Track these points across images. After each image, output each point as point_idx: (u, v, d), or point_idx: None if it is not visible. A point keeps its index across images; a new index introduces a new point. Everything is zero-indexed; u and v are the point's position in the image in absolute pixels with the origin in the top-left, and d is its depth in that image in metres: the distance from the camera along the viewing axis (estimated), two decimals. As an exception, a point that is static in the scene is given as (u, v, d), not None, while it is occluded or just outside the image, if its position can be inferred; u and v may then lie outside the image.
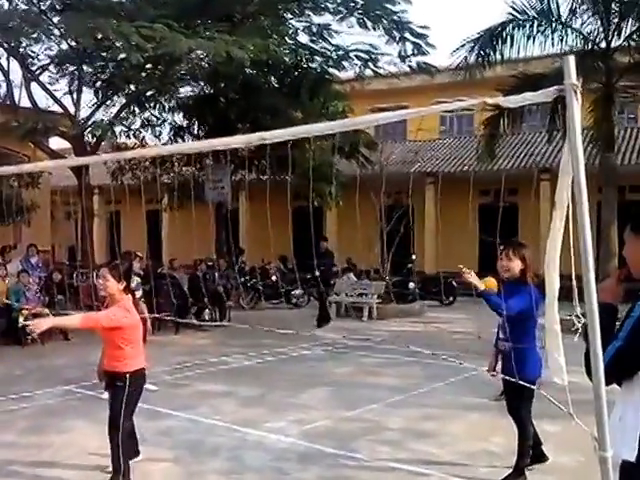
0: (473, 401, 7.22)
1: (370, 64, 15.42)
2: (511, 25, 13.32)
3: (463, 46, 13.59)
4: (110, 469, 4.73)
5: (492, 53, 13.60)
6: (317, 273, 13.02)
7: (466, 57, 13.68)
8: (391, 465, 5.17)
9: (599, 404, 2.20)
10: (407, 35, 14.30)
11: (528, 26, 13.23)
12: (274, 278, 18.08)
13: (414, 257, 19.30)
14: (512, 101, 2.39)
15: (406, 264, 17.77)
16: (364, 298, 15.40)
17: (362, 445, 5.66)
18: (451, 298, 17.50)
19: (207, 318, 13.39)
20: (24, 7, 13.53)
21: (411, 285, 17.29)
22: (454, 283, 17.35)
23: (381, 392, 7.65)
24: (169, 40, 10.78)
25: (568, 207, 2.23)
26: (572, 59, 2.16)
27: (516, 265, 4.62)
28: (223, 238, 18.55)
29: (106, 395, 7.12)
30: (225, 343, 11.32)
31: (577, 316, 2.34)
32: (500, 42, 13.58)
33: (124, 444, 4.65)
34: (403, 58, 15.00)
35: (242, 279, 17.82)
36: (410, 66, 15.58)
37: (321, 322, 13.25)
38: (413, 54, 14.79)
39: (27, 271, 11.56)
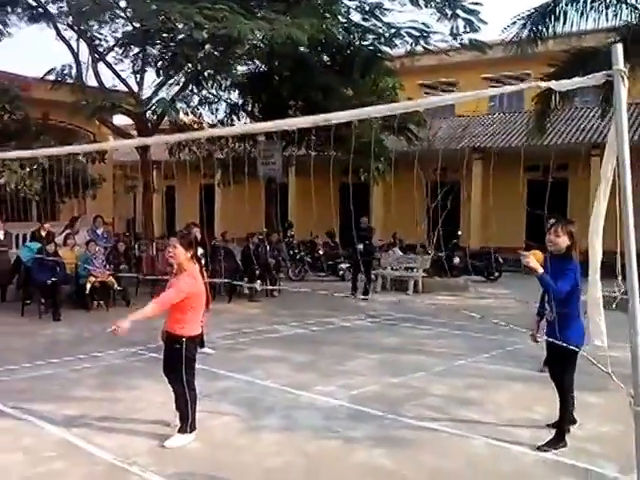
0: (517, 372, 7.47)
1: (421, 41, 15.45)
2: (564, 1, 13.15)
3: (514, 23, 13.49)
4: (176, 422, 5.22)
5: (544, 29, 13.46)
6: (359, 247, 13.35)
7: (517, 33, 13.58)
8: (434, 427, 5.52)
9: (635, 363, 2.47)
10: (459, 12, 14.28)
11: (582, 2, 13.03)
12: (321, 252, 18.54)
13: (460, 232, 19.44)
14: (562, 85, 2.62)
15: (452, 239, 17.93)
16: (409, 272, 15.68)
17: (407, 409, 6.02)
18: (497, 274, 17.62)
19: (258, 289, 13.90)
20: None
21: (456, 260, 17.46)
22: (500, 259, 17.47)
23: (427, 361, 7.99)
24: (230, 21, 11.16)
25: (613, 182, 2.48)
26: (620, 47, 2.40)
27: (563, 241, 4.87)
28: (273, 212, 19.02)
29: (209, 351, 7.80)
30: (275, 313, 11.80)
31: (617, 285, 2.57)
32: (553, 18, 13.42)
33: (191, 397, 5.11)
34: (455, 35, 14.98)
35: (290, 252, 18.33)
36: (462, 43, 15.53)
37: (365, 294, 13.64)
38: (465, 31, 14.76)
39: (94, 241, 12.27)
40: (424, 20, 14.98)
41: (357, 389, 6.67)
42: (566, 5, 13.35)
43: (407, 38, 15.49)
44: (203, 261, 8.85)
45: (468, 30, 14.72)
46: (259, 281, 13.96)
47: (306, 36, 11.62)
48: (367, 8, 15.26)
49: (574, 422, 5.30)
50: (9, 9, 14.95)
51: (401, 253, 17.27)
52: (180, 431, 5.11)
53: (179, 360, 5.12)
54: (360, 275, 13.87)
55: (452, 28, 14.85)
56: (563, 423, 5.06)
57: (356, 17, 15.71)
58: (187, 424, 5.10)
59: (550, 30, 13.58)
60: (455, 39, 15.19)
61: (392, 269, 16.13)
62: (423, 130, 18.28)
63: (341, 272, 17.45)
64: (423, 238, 17.23)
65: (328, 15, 15.29)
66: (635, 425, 2.56)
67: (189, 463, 4.73)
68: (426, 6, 14.37)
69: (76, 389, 6.67)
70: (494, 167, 20.68)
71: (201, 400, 5.42)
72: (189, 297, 5.10)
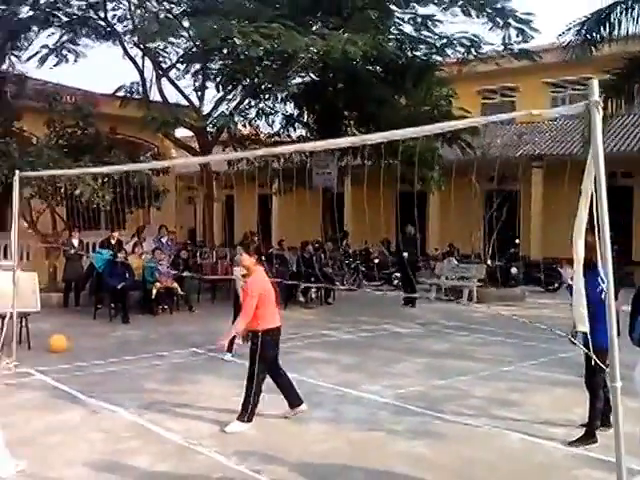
0: (561, 378, 7.68)
1: (473, 50, 15.74)
2: (618, 9, 13.22)
3: (569, 30, 13.63)
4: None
5: (598, 36, 13.54)
6: (405, 254, 13.70)
7: (571, 40, 13.70)
8: (473, 423, 5.90)
9: (612, 345, 2.87)
10: (510, 21, 14.51)
11: (636, 11, 13.08)
12: (376, 260, 18.94)
13: (518, 242, 19.43)
14: (548, 113, 3.04)
15: (510, 249, 17.96)
16: (464, 281, 15.85)
17: (448, 408, 6.40)
18: (556, 284, 17.47)
19: (313, 296, 14.43)
20: (161, 13, 15.14)
21: (514, 270, 17.47)
22: (560, 269, 17.36)
23: (473, 366, 8.30)
24: (286, 38, 11.81)
25: (591, 195, 2.91)
26: (596, 82, 2.82)
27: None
28: (329, 221, 19.54)
29: (227, 357, 8.38)
30: (329, 319, 12.28)
31: (601, 279, 3.01)
32: (607, 25, 13.50)
33: (254, 390, 5.62)
34: (506, 45, 15.21)
35: (346, 261, 18.81)
36: (512, 52, 15.73)
37: (408, 302, 13.93)
38: (517, 40, 14.96)
39: (160, 249, 13.09)
40: (476, 29, 15.27)
41: (402, 389, 7.09)
42: (620, 13, 13.42)
43: (459, 48, 15.79)
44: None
45: (520, 39, 14.90)
46: (314, 289, 14.49)
47: (360, 51, 12.11)
48: (419, 20, 15.66)
49: (609, 425, 5.55)
50: (82, 31, 16.04)
51: (456, 262, 17.44)
52: (239, 418, 5.65)
53: (254, 353, 5.71)
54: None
55: (504, 37, 15.07)
56: (592, 421, 5.34)
57: (408, 28, 16.16)
58: (246, 413, 5.63)
59: (605, 36, 13.65)
60: (506, 49, 15.38)
61: (447, 278, 16.34)
62: (478, 138, 18.43)
63: (395, 281, 17.80)
64: (479, 247, 17.34)
65: (381, 27, 15.83)
66: (613, 399, 2.94)
67: (247, 445, 5.30)
68: (478, 16, 14.64)
69: (145, 382, 7.35)
70: (555, 175, 20.55)
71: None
72: (259, 297, 5.70)
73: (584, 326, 3.21)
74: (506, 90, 25.72)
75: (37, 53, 15.92)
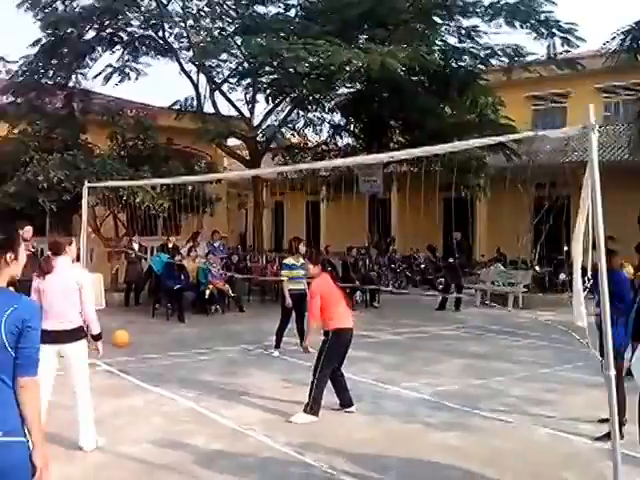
0: (598, 380, 7.79)
1: (517, 60, 15.98)
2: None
3: (614, 38, 13.79)
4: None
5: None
6: (451, 260, 14.03)
7: (616, 49, 13.83)
8: (504, 419, 6.29)
9: (606, 334, 3.28)
10: (555, 31, 14.70)
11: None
12: (422, 265, 19.28)
13: (566, 249, 19.41)
14: (551, 133, 3.47)
15: (557, 255, 18.00)
16: (510, 287, 16.00)
17: (483, 404, 6.79)
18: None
19: (358, 300, 14.89)
20: (214, 30, 16.02)
21: (562, 276, 17.51)
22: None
23: (511, 368, 8.64)
24: (330, 53, 12.40)
25: (587, 209, 3.34)
26: (592, 106, 3.25)
27: (618, 259, 5.54)
28: (375, 227, 20.00)
29: (275, 353, 8.97)
30: (373, 322, 12.69)
31: (588, 279, 3.42)
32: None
33: (317, 385, 6.11)
34: (550, 55, 15.39)
35: (392, 266, 19.20)
36: (556, 62, 15.89)
37: (458, 305, 14.26)
38: (564, 50, 15.12)
39: (212, 253, 13.82)
40: (521, 39, 15.46)
41: (439, 387, 7.51)
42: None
43: (503, 57, 16.04)
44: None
45: (566, 48, 15.07)
46: (358, 292, 14.96)
47: (399, 64, 12.58)
48: (463, 32, 16.00)
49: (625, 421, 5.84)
50: (142, 49, 17.01)
51: (503, 268, 17.59)
52: (304, 410, 6.16)
53: (321, 350, 6.24)
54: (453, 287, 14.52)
55: (549, 46, 15.25)
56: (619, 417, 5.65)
57: (452, 40, 16.55)
58: (308, 405, 6.12)
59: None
60: (549, 58, 15.57)
61: (492, 283, 16.53)
62: (522, 146, 18.54)
63: (440, 286, 18.09)
64: (527, 253, 17.43)
65: (426, 38, 16.23)
66: (608, 388, 3.34)
67: (292, 431, 5.83)
68: (522, 27, 14.88)
69: (201, 374, 8.00)
70: (606, 181, 20.44)
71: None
72: (322, 297, 6.28)
73: (583, 322, 3.62)
74: (557, 96, 25.58)
75: (102, 72, 17.00)
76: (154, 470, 4.93)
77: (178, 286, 12.48)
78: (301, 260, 9.31)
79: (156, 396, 6.95)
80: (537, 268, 16.71)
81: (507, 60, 16.21)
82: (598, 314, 5.70)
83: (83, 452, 5.18)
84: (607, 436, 5.55)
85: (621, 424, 5.68)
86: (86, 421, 5.23)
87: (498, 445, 5.53)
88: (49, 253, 5.37)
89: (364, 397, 6.93)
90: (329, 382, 6.32)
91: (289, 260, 9.52)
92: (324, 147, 21.13)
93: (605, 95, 24.23)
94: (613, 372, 3.37)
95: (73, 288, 5.09)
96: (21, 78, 16.25)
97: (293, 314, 9.34)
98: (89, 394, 5.30)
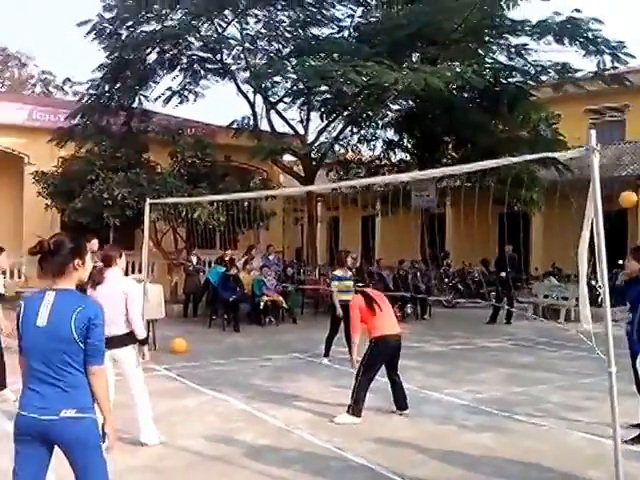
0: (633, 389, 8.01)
1: (567, 76, 16.09)
2: None
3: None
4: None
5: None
6: (503, 274, 14.15)
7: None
8: (539, 423, 6.52)
9: (608, 339, 3.58)
10: (603, 48, 14.79)
11: None
12: (475, 279, 19.35)
13: (621, 262, 19.15)
14: (561, 156, 3.80)
15: (613, 269, 17.79)
16: (563, 300, 15.95)
17: (521, 410, 7.03)
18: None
19: (409, 312, 15.16)
20: (270, 52, 16.81)
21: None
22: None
23: (553, 377, 8.81)
24: (378, 74, 12.90)
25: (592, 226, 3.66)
26: (594, 132, 3.57)
27: (632, 266, 5.75)
28: (428, 241, 20.20)
29: (325, 361, 9.39)
30: (423, 333, 12.96)
31: (599, 286, 3.73)
32: None
33: (357, 388, 6.55)
34: (598, 71, 15.46)
35: (446, 279, 19.37)
36: (604, 78, 15.92)
37: (509, 318, 14.32)
38: (613, 66, 15.19)
39: (267, 266, 14.41)
40: (572, 55, 15.60)
41: (481, 394, 7.78)
42: None
43: (553, 74, 16.17)
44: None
45: (615, 65, 15.11)
46: (409, 305, 15.24)
47: (442, 82, 12.93)
48: (512, 50, 16.24)
49: None
50: (201, 72, 17.93)
51: (556, 282, 17.53)
52: (347, 411, 6.56)
53: (364, 356, 6.68)
54: (505, 301, 14.62)
55: (598, 63, 15.34)
56: None
57: (502, 57, 16.81)
58: (350, 407, 6.54)
59: None
60: (597, 74, 15.62)
61: (545, 297, 16.51)
62: (578, 159, 18.45)
63: (493, 299, 18.13)
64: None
65: (480, 52, 16.53)
66: (609, 382, 3.62)
67: (335, 429, 6.25)
68: (570, 44, 15.04)
69: (253, 379, 8.52)
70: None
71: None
72: (361, 310, 6.76)
73: (589, 325, 3.92)
74: (614, 110, 25.27)
75: (162, 94, 17.96)
76: (207, 461, 5.42)
77: (234, 297, 13.08)
78: (349, 273, 9.72)
79: (210, 398, 7.48)
80: (592, 282, 16.57)
81: (557, 76, 16.34)
82: (629, 322, 5.94)
83: (144, 447, 5.68)
84: (636, 439, 5.76)
85: None
86: (145, 419, 5.73)
87: (529, 446, 5.78)
88: (101, 265, 5.80)
89: (408, 402, 7.24)
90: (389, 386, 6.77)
91: (338, 272, 9.90)
92: (377, 162, 21.56)
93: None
94: (614, 369, 3.66)
95: (120, 297, 5.53)
96: (87, 100, 17.34)
97: (342, 324, 9.73)
98: (146, 395, 5.75)
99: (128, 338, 5.60)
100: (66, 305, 3.09)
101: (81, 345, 3.07)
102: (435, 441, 5.93)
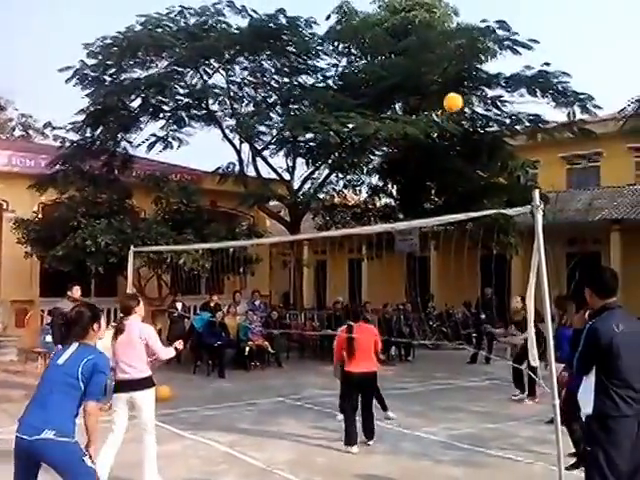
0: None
1: (541, 126, 16.85)
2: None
3: (629, 106, 14.50)
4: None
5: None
6: (482, 316, 14.51)
7: (632, 114, 14.49)
8: (507, 456, 6.85)
9: (552, 379, 3.94)
10: (572, 100, 15.59)
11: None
12: (458, 321, 19.64)
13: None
14: (512, 211, 4.22)
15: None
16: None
17: (492, 444, 7.37)
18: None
19: (393, 354, 15.41)
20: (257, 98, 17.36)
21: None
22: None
23: (525, 413, 9.18)
24: (360, 125, 13.49)
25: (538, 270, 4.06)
26: (537, 191, 4.00)
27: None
28: (412, 284, 20.54)
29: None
30: (405, 375, 13.23)
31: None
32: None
33: (345, 417, 7.32)
34: (570, 121, 16.26)
35: (430, 322, 19.64)
36: (572, 130, 16.74)
37: (488, 359, 14.60)
38: (581, 119, 16.05)
39: (252, 310, 14.66)
40: (545, 107, 16.38)
41: (456, 430, 8.07)
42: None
43: (527, 123, 16.91)
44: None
45: (582, 117, 15.96)
46: (393, 347, 15.49)
47: (420, 132, 13.53)
48: (488, 101, 17.00)
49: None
50: (186, 119, 18.17)
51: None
52: (344, 443, 7.07)
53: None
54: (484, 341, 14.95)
55: (569, 114, 16.14)
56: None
57: (479, 108, 17.57)
58: (344, 439, 7.12)
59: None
60: (565, 125, 16.40)
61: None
62: (548, 205, 18.97)
63: (474, 340, 18.41)
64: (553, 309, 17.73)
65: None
66: (554, 413, 3.96)
67: (315, 468, 6.52)
68: (543, 97, 15.86)
69: (237, 423, 8.73)
70: (634, 238, 20.75)
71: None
72: (340, 342, 7.55)
73: (535, 362, 4.32)
74: (590, 155, 26.04)
75: (146, 140, 18.04)
76: (189, 500, 5.64)
77: (219, 343, 13.28)
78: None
79: (193, 442, 7.67)
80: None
81: (531, 126, 17.10)
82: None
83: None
84: (575, 465, 6.06)
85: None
86: (150, 461, 5.96)
87: (495, 477, 6.14)
88: (121, 315, 6.27)
89: (386, 440, 7.56)
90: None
91: None
92: (363, 207, 22.04)
93: (636, 155, 24.60)
94: (557, 401, 4.01)
95: (139, 342, 5.88)
96: (69, 145, 17.21)
97: None
98: (154, 437, 6.05)
99: (146, 381, 5.94)
100: (83, 353, 4.03)
101: (82, 384, 3.91)
102: (411, 476, 6.21)
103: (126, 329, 5.90)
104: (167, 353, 6.13)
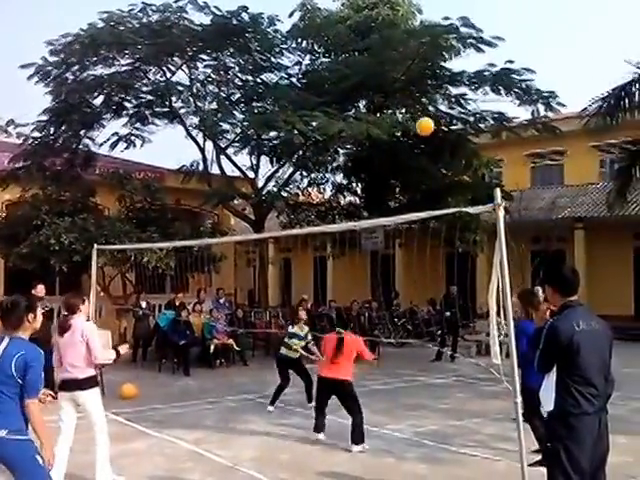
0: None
1: (505, 124, 17.10)
2: (636, 86, 14.22)
3: (591, 105, 14.76)
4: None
5: (621, 114, 14.52)
6: (447, 314, 14.71)
7: (595, 113, 14.75)
8: (471, 453, 6.93)
9: (513, 376, 4.01)
10: (536, 97, 15.85)
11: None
12: (423, 319, 19.86)
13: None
14: (476, 209, 4.29)
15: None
16: (505, 337, 16.53)
17: (456, 441, 7.44)
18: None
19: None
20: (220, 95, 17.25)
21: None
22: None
23: (489, 410, 9.25)
24: (324, 124, 13.50)
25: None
26: (498, 190, 4.07)
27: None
28: (377, 282, 20.70)
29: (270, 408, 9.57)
30: (370, 372, 13.20)
31: (506, 335, 4.18)
32: (628, 100, 14.49)
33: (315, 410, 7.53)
34: (534, 119, 16.54)
35: (395, 319, 19.81)
36: (536, 127, 17.01)
37: (453, 356, 14.80)
38: (545, 116, 16.30)
39: (217, 309, 14.59)
40: (508, 105, 16.66)
41: (420, 427, 8.16)
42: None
43: (491, 121, 17.15)
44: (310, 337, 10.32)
45: (547, 114, 16.20)
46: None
47: (381, 131, 13.63)
48: (453, 99, 17.18)
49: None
50: (149, 117, 18.00)
51: (499, 319, 18.12)
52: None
53: None
54: (449, 339, 15.14)
55: (532, 112, 16.43)
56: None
57: (443, 106, 17.75)
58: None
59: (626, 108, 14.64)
60: (529, 122, 16.68)
61: (487, 335, 17.05)
62: (513, 203, 19.27)
63: (439, 339, 18.64)
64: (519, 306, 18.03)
65: (424, 101, 17.42)
66: (515, 414, 4.05)
67: (279, 467, 6.50)
68: (507, 95, 16.07)
69: (202, 420, 8.71)
70: (597, 236, 21.24)
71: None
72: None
73: (497, 360, 4.38)
74: (554, 154, 26.42)
75: (108, 139, 17.92)
76: (154, 500, 5.60)
77: (184, 342, 13.20)
78: (305, 329, 9.79)
79: (158, 440, 7.63)
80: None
81: (495, 124, 17.34)
82: None
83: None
84: (538, 462, 6.17)
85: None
86: (103, 459, 5.84)
87: (461, 474, 6.18)
88: (65, 313, 6.10)
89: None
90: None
91: (296, 330, 9.75)
92: (327, 205, 22.07)
93: (601, 152, 25.04)
94: (519, 399, 4.10)
95: (81, 341, 5.76)
96: (32, 142, 16.91)
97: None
98: (106, 436, 5.90)
99: (90, 381, 5.82)
100: (13, 349, 3.93)
101: (18, 381, 3.86)
102: (376, 473, 6.26)
103: (70, 328, 5.80)
104: (105, 355, 5.99)
